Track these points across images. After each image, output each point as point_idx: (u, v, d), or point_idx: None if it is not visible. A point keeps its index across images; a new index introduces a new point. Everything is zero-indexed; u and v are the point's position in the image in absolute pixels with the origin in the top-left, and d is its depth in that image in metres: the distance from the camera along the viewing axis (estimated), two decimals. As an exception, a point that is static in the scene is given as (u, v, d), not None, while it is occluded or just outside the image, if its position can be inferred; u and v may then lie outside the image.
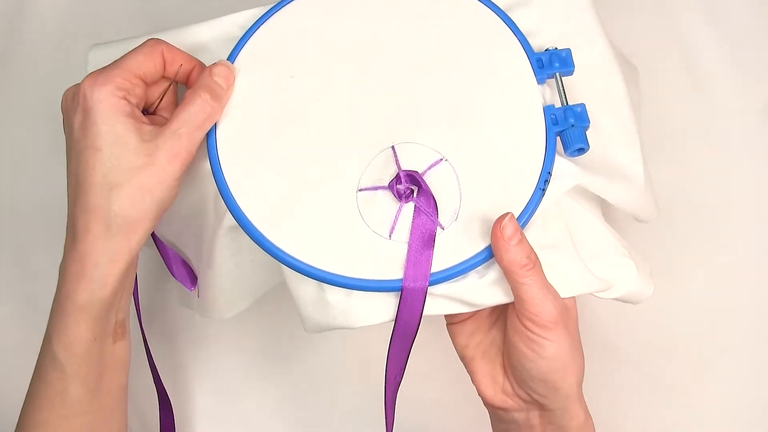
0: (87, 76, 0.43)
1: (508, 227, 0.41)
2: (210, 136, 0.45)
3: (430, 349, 0.56)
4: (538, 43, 0.47)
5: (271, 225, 0.43)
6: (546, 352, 0.41)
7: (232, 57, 0.47)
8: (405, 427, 0.63)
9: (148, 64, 0.44)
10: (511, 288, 0.42)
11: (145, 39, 0.46)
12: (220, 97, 0.44)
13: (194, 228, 0.50)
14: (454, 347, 0.48)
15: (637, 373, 0.62)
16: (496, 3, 0.47)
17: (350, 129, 0.45)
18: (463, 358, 0.47)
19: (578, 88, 0.46)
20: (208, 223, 0.48)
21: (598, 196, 0.50)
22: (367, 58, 0.46)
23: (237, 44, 0.47)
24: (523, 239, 0.41)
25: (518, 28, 0.46)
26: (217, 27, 0.49)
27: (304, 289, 0.44)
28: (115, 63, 0.43)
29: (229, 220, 0.46)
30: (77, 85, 0.43)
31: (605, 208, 0.53)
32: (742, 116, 0.66)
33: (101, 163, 0.41)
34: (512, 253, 0.41)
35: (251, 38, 0.47)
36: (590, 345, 0.62)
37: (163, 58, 0.45)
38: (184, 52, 0.46)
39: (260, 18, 0.48)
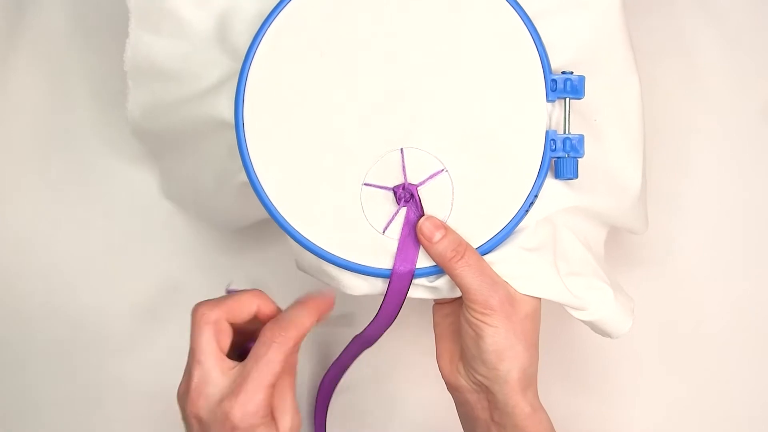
0: None
1: (424, 227, 0.45)
2: (237, 100, 0.47)
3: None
4: (562, 54, 0.48)
5: (281, 196, 0.47)
6: (483, 333, 0.45)
7: (267, 22, 0.47)
8: (410, 428, 0.63)
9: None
10: (453, 281, 0.45)
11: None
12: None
13: (205, 167, 0.54)
14: (432, 323, 0.51)
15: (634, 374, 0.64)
16: (527, 8, 0.47)
17: (367, 120, 0.47)
18: (435, 334, 0.50)
19: (596, 94, 0.47)
20: (219, 168, 0.52)
21: (602, 221, 0.52)
22: (393, 49, 0.47)
23: (273, 10, 0.48)
24: (446, 234, 0.45)
25: (542, 44, 0.47)
26: None
27: (304, 252, 0.48)
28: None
29: (242, 177, 0.49)
30: None
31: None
32: (742, 116, 0.66)
33: None
34: (435, 249, 0.45)
35: (287, 5, 0.48)
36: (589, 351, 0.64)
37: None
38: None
39: None
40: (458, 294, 0.47)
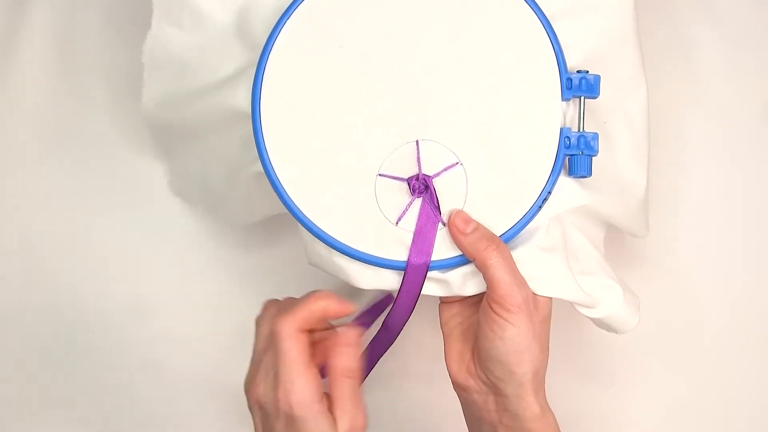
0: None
1: (457, 221, 0.46)
2: (255, 90, 0.47)
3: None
4: (574, 56, 0.48)
5: (295, 185, 0.47)
6: (505, 333, 0.44)
7: (286, 14, 0.48)
8: (412, 427, 0.63)
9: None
10: (482, 274, 0.45)
11: None
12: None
13: (217, 159, 0.55)
14: (439, 322, 0.50)
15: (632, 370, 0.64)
16: (544, 8, 0.48)
17: (384, 112, 0.47)
18: (443, 333, 0.50)
19: (606, 97, 0.48)
20: (232, 159, 0.53)
21: (604, 220, 0.52)
22: (411, 43, 0.47)
23: (292, 3, 0.48)
24: (479, 227, 0.45)
25: (559, 43, 0.47)
26: None
27: (316, 243, 0.48)
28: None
29: (255, 167, 0.49)
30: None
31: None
32: (742, 116, 0.67)
33: None
34: (467, 239, 0.45)
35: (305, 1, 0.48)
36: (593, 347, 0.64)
37: None
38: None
39: None
40: (469, 291, 0.47)
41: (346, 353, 0.44)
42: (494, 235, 0.46)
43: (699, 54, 0.67)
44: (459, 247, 0.46)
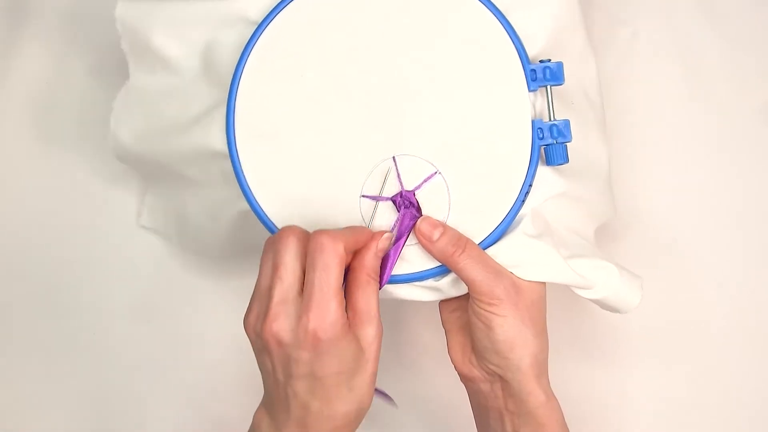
0: None
1: (422, 228, 0.46)
2: (228, 130, 0.48)
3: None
4: (535, 46, 0.49)
5: (285, 220, 0.47)
6: (492, 323, 0.45)
7: (246, 50, 0.49)
8: (413, 423, 0.63)
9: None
10: (458, 276, 0.46)
11: None
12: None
13: (198, 194, 0.55)
14: (440, 318, 0.51)
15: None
16: (497, 4, 0.48)
17: (356, 134, 0.48)
18: (444, 329, 0.51)
19: (567, 78, 0.48)
20: (213, 195, 0.53)
21: (588, 213, 0.53)
22: (372, 62, 0.48)
23: (251, 38, 0.49)
24: (445, 231, 0.46)
25: (518, 37, 0.48)
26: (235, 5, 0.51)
27: None
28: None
29: (240, 205, 0.49)
30: None
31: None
32: (741, 116, 0.67)
33: None
34: (435, 247, 0.45)
35: (266, 29, 0.49)
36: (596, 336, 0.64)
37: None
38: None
39: (275, 8, 0.49)
40: (460, 292, 0.48)
41: (377, 256, 0.43)
42: (461, 235, 0.46)
43: (699, 53, 0.67)
44: (432, 256, 0.46)
